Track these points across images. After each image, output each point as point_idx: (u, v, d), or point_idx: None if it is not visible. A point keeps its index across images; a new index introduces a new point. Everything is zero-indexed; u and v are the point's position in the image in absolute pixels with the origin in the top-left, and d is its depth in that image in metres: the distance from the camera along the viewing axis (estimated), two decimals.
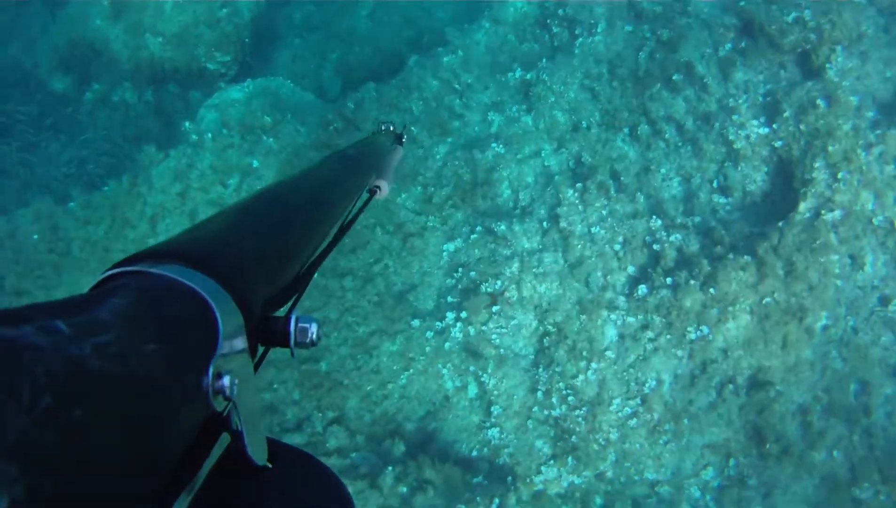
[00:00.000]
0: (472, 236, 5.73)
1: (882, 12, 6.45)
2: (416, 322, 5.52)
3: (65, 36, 7.96)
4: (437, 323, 5.49)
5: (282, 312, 1.00)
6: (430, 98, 6.76)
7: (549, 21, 7.11)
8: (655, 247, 5.38)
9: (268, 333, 0.94)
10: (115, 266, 0.78)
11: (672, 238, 5.41)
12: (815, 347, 5.23)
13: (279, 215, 1.12)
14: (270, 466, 0.86)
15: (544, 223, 5.69)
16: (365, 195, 1.88)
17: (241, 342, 0.80)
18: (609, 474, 5.08)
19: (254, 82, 7.72)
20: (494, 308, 5.32)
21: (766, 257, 5.08)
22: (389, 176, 2.02)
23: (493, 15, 7.37)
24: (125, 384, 0.58)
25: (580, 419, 5.05)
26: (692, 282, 5.08)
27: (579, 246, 5.48)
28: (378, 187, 1.95)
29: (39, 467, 0.47)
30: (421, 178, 6.13)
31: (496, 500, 4.94)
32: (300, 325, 0.95)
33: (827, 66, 6.23)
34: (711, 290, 5.04)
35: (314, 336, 0.96)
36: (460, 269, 5.65)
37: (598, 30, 6.76)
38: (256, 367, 0.93)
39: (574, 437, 5.06)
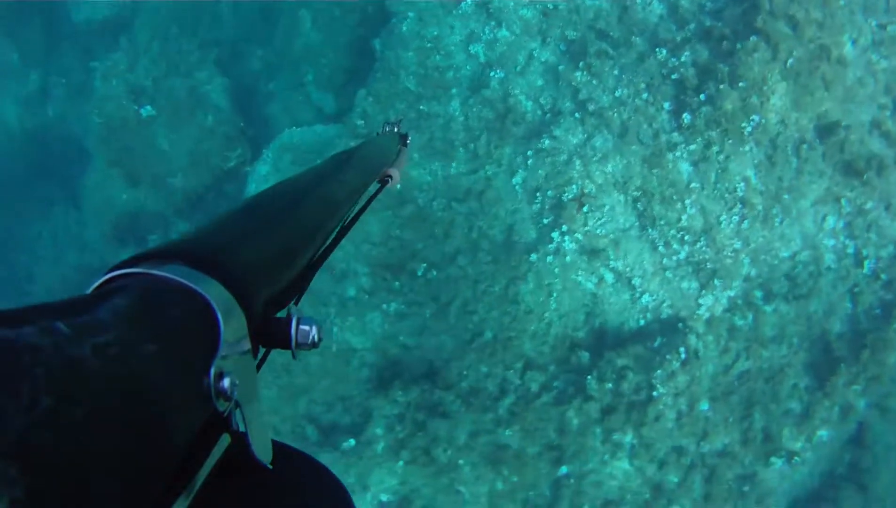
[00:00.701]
0: (529, 162, 6.53)
1: None
2: (533, 257, 6.44)
3: (107, 223, 8.99)
4: (549, 246, 6.39)
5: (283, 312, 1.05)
6: (416, 68, 7.45)
7: None
8: (674, 76, 6.04)
9: (269, 334, 0.97)
10: (116, 267, 0.81)
11: (683, 58, 6.06)
12: (854, 65, 5.85)
13: (281, 216, 1.15)
14: (271, 467, 0.89)
15: (576, 115, 6.42)
16: (376, 186, 1.96)
17: (243, 343, 0.83)
18: (752, 272, 5.96)
19: (270, 149, 8.58)
20: (584, 208, 6.16)
21: (767, 26, 5.69)
22: (401, 165, 2.11)
23: None
24: (125, 385, 0.60)
25: (704, 247, 5.93)
26: (722, 87, 5.77)
27: (615, 115, 6.22)
28: (390, 177, 2.01)
29: (39, 467, 0.49)
30: (457, 141, 6.91)
31: (681, 349, 5.92)
32: (301, 327, 0.98)
33: None
34: (741, 84, 5.72)
35: (315, 338, 0.99)
36: (537, 193, 6.49)
37: None
38: (258, 367, 0.98)
39: (709, 264, 5.96)
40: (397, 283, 6.86)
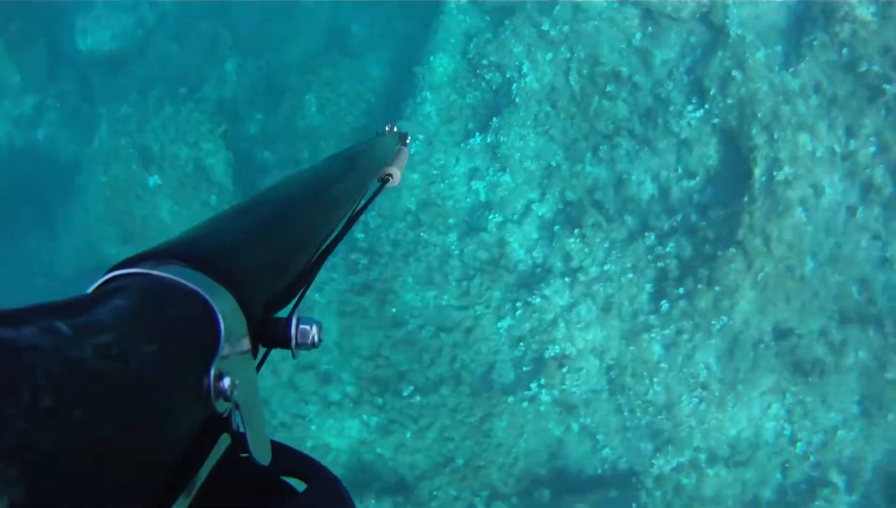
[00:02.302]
0: (517, 313, 7.28)
1: None
2: (510, 399, 7.21)
3: (86, 264, 9.32)
4: (526, 392, 7.17)
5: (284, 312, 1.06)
6: (420, 191, 8.09)
7: (478, 71, 8.24)
8: (659, 264, 6.90)
9: (269, 334, 0.99)
10: (116, 267, 0.82)
11: (668, 248, 6.91)
12: (812, 281, 6.81)
13: (280, 215, 1.17)
14: (271, 467, 0.91)
15: (566, 279, 7.20)
16: (376, 185, 2.00)
17: (242, 344, 0.86)
18: (703, 444, 6.89)
19: None
20: (564, 370, 6.96)
21: (746, 240, 6.59)
22: (400, 165, 2.14)
23: (427, 82, 8.51)
24: (125, 386, 0.62)
25: (663, 419, 6.81)
26: (700, 286, 6.65)
27: (601, 288, 7.03)
28: (390, 176, 2.04)
29: (39, 468, 0.50)
30: (452, 277, 7.60)
31: (633, 504, 6.80)
32: (301, 326, 1.00)
33: (727, 22, 7.38)
34: (717, 288, 6.61)
35: (315, 338, 1.01)
36: (521, 343, 7.25)
37: (525, 70, 7.92)
38: (258, 367, 1.00)
39: (665, 433, 6.84)
40: (381, 399, 7.52)
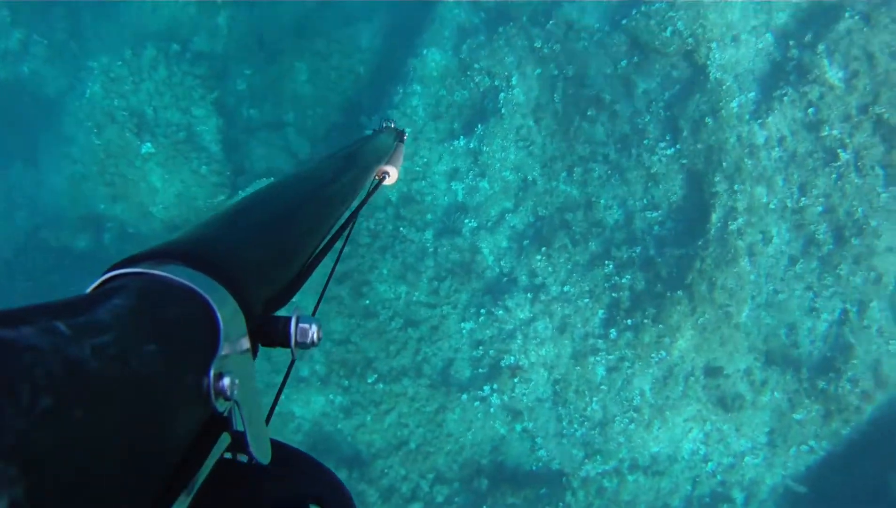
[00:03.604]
0: (481, 319, 8.03)
1: None
2: (464, 396, 8.06)
3: (74, 212, 9.81)
4: (479, 392, 8.01)
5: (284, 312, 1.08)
6: (402, 186, 8.66)
7: (469, 72, 8.67)
8: (614, 294, 7.64)
9: (268, 333, 1.01)
10: (115, 267, 0.83)
11: (624, 280, 7.64)
12: (747, 323, 7.62)
13: (279, 215, 1.19)
14: (272, 466, 0.92)
15: (528, 294, 7.93)
16: (374, 181, 2.04)
17: (242, 343, 0.87)
18: (626, 456, 7.85)
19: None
20: (516, 380, 7.79)
21: (694, 285, 7.34)
22: (397, 163, 2.20)
23: (418, 75, 8.93)
24: (125, 385, 0.62)
25: (596, 434, 7.73)
26: (646, 321, 7.43)
27: (559, 308, 7.78)
28: (387, 173, 2.10)
29: (39, 468, 0.50)
30: (425, 276, 8.28)
31: (559, 504, 7.79)
32: (300, 325, 1.01)
33: (708, 63, 7.87)
34: (661, 325, 7.40)
35: (314, 337, 1.03)
36: (480, 347, 8.04)
37: (514, 81, 8.38)
38: (289, 370, 1.09)
39: (596, 444, 7.78)
40: (347, 382, 8.32)
